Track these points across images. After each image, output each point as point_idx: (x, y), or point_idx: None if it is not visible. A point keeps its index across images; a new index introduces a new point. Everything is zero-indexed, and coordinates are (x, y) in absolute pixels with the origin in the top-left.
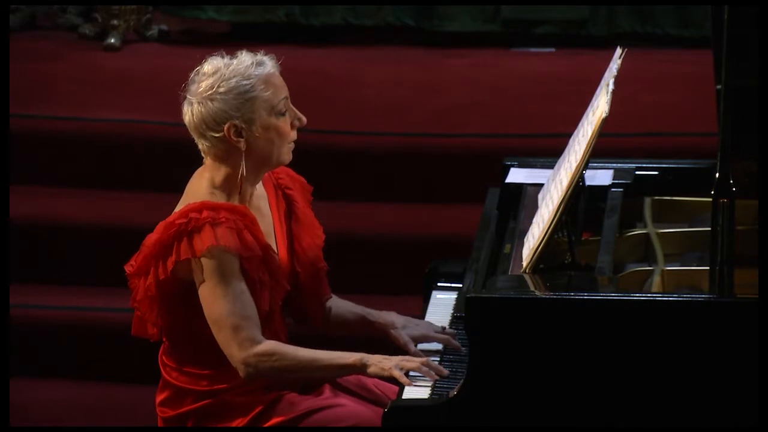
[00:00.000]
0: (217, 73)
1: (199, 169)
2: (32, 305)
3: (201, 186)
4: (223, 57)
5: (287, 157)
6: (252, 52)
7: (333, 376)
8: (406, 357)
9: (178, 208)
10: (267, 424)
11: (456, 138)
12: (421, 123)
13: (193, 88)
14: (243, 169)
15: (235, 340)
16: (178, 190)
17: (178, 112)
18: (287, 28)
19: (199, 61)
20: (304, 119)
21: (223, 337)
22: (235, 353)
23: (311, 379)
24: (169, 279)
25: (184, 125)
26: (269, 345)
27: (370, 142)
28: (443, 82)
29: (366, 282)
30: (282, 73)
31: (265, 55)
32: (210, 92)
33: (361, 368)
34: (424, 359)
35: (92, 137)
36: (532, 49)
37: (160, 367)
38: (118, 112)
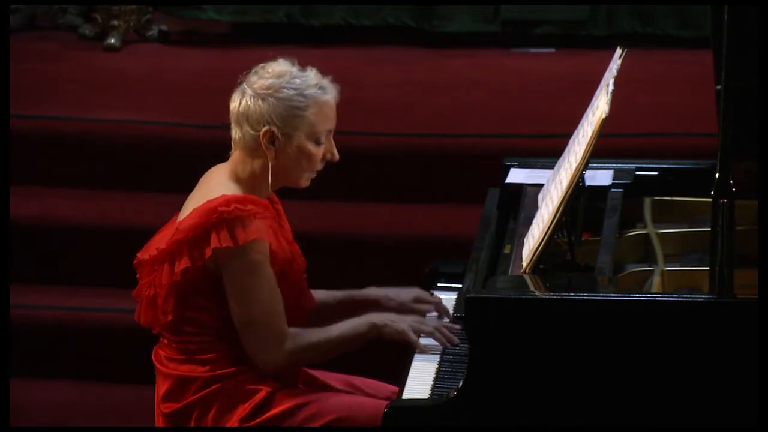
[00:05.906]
0: (282, 78)
1: (218, 165)
2: (32, 305)
3: (221, 179)
4: (293, 64)
5: (305, 183)
6: (321, 74)
7: (353, 348)
8: (419, 319)
9: (197, 199)
10: (269, 413)
11: (456, 138)
12: (421, 123)
13: (253, 79)
14: (270, 178)
15: (266, 341)
16: (179, 190)
17: (178, 112)
18: (287, 28)
19: (200, 60)
20: (337, 157)
21: (253, 337)
22: (263, 356)
23: (333, 356)
24: (199, 267)
25: (185, 125)
26: (294, 342)
27: (370, 142)
28: (443, 83)
29: (366, 282)
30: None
31: (332, 82)
32: (265, 91)
33: (375, 334)
34: (438, 323)
35: (92, 137)
36: (532, 50)
37: (156, 364)
38: (118, 112)
